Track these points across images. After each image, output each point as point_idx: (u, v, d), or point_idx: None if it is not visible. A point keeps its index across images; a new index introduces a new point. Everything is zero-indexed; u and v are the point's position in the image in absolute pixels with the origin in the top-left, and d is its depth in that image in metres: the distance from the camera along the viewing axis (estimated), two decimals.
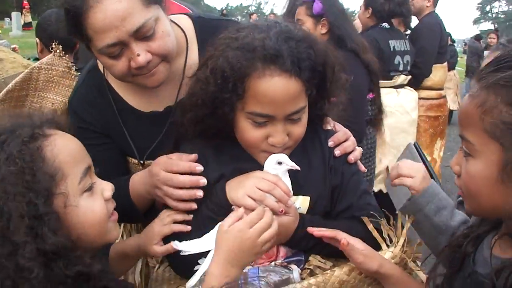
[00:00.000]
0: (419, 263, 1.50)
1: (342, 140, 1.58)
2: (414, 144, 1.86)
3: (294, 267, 1.44)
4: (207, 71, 1.39)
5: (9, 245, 1.03)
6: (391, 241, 1.51)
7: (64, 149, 1.16)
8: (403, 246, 1.48)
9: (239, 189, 1.38)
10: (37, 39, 3.28)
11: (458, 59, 14.54)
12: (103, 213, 1.20)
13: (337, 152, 1.55)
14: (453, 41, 14.30)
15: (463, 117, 1.09)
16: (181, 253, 1.40)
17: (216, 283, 1.24)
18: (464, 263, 1.19)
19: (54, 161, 1.12)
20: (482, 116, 1.03)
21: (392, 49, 4.31)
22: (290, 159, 1.40)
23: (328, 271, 1.40)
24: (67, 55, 3.02)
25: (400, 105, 4.25)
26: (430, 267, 1.35)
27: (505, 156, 1.01)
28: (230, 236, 1.28)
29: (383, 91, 3.73)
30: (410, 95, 4.50)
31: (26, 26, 26.81)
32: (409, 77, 4.52)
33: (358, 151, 1.60)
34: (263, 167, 1.43)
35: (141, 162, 1.77)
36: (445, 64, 5.42)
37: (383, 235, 1.50)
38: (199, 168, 1.46)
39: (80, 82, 1.87)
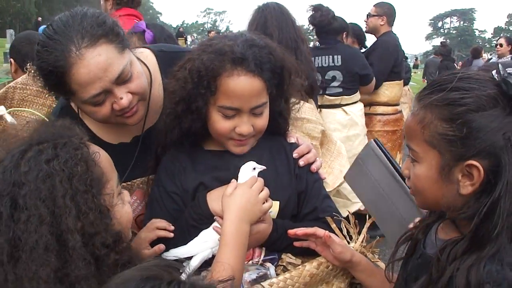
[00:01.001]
0: (376, 256, 1.73)
1: (305, 152, 1.80)
2: (376, 142, 1.92)
3: (269, 264, 1.64)
4: (185, 71, 1.62)
5: (86, 235, 1.16)
6: (351, 238, 1.74)
7: (104, 157, 1.35)
8: (362, 241, 1.72)
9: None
10: (11, 60, 3.36)
11: (412, 74, 15.12)
12: (131, 214, 1.41)
13: (301, 162, 1.77)
14: (406, 58, 14.80)
15: (408, 131, 1.32)
16: (167, 258, 1.58)
17: (232, 240, 1.45)
18: (416, 248, 1.42)
19: (101, 165, 1.29)
20: (422, 130, 1.26)
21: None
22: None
23: (300, 266, 1.61)
24: None
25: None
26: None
27: (442, 160, 1.24)
28: (236, 196, 1.53)
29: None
30: (331, 115, 4.73)
31: None
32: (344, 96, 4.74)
33: (319, 161, 1.83)
34: (237, 174, 1.61)
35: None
36: (401, 81, 5.66)
37: (343, 233, 1.73)
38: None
39: (52, 119, 1.93)
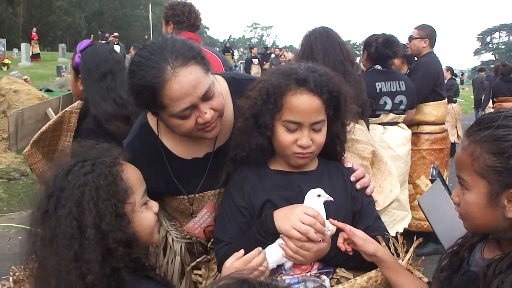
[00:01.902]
0: (421, 274, 1.87)
1: (361, 176, 2.00)
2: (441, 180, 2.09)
3: (324, 277, 1.82)
4: (256, 91, 1.88)
5: (100, 231, 1.51)
6: (398, 255, 1.89)
7: (132, 175, 1.69)
8: (409, 259, 1.88)
9: (286, 222, 1.76)
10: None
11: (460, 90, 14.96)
12: (154, 221, 1.74)
13: (358, 186, 1.97)
14: (455, 75, 14.58)
15: (459, 162, 1.51)
16: None
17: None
18: (461, 265, 1.59)
19: (128, 181, 1.64)
20: (472, 162, 1.45)
21: (378, 90, 4.68)
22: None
23: (352, 280, 1.79)
24: None
25: (382, 141, 4.62)
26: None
27: (491, 189, 1.42)
28: (229, 272, 1.67)
29: (370, 127, 4.04)
30: (398, 132, 4.87)
31: (34, 57, 27.13)
32: (403, 115, 4.89)
33: (372, 185, 2.02)
34: (301, 194, 1.83)
35: (189, 197, 2.15)
36: (445, 100, 5.78)
37: (391, 251, 1.88)
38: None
39: (132, 135, 2.19)
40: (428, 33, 5.59)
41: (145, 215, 1.70)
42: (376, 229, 1.94)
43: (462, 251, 1.62)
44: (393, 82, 4.83)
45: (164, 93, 1.77)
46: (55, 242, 1.50)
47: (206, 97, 1.83)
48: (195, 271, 2.26)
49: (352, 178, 1.98)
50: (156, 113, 1.93)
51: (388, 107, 4.79)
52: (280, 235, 1.80)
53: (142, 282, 1.61)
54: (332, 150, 2.01)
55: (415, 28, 5.68)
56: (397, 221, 4.11)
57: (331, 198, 1.81)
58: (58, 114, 3.47)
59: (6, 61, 21.41)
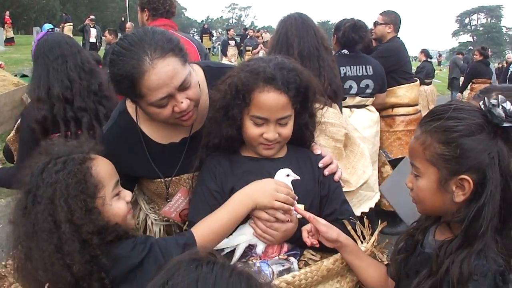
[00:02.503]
0: (385, 256, 1.98)
1: (329, 162, 2.09)
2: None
3: (293, 259, 1.91)
4: (226, 85, 1.94)
5: (73, 225, 1.59)
6: (364, 238, 2.00)
7: (103, 168, 1.75)
8: (373, 242, 1.98)
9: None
10: None
11: (436, 72, 15.15)
12: (125, 210, 1.80)
13: (326, 172, 2.06)
14: (430, 57, 14.76)
15: (412, 151, 1.61)
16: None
17: (232, 205, 1.85)
18: (416, 247, 1.70)
19: (98, 175, 1.71)
20: (423, 150, 1.55)
21: (342, 74, 4.71)
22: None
23: (319, 262, 1.87)
24: None
25: (348, 123, 4.58)
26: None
27: (440, 176, 1.53)
28: (259, 182, 1.88)
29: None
30: (365, 114, 4.96)
31: (8, 41, 26.52)
32: (371, 98, 4.98)
33: (340, 171, 2.12)
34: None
35: (166, 180, 2.24)
36: (418, 82, 5.93)
37: (357, 234, 1.99)
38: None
39: (112, 122, 2.27)
40: (392, 19, 5.69)
41: (117, 205, 1.76)
42: (343, 212, 2.03)
43: (417, 234, 1.73)
44: (360, 67, 4.89)
45: (142, 83, 1.84)
46: (36, 236, 1.59)
47: (183, 87, 1.91)
48: None
49: (320, 165, 2.07)
50: (135, 101, 2.00)
51: (354, 91, 4.85)
52: (251, 215, 1.89)
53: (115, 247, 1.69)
54: (301, 138, 2.10)
55: (380, 14, 5.77)
56: (363, 201, 4.19)
57: (298, 177, 1.92)
58: None
59: None
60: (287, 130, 1.95)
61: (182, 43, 1.97)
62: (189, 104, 1.94)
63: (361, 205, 4.04)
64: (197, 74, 2.15)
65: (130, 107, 2.20)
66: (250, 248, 1.92)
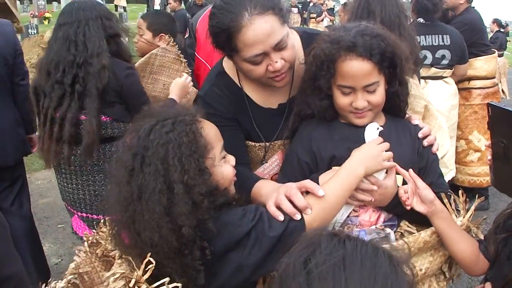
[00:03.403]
0: (480, 232, 1.94)
1: (428, 134, 2.06)
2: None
3: (389, 230, 1.92)
4: (310, 57, 1.95)
5: (186, 186, 1.57)
6: (459, 212, 1.97)
7: (211, 131, 1.76)
8: (470, 217, 1.95)
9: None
10: (146, 26, 3.92)
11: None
12: (232, 173, 1.81)
13: (425, 143, 2.03)
14: (503, 27, 14.06)
15: None
16: None
17: (345, 176, 1.79)
18: None
19: (207, 137, 1.70)
20: None
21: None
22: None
23: (416, 234, 1.88)
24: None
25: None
26: None
27: None
28: (361, 148, 1.85)
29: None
30: (440, 86, 4.84)
31: None
32: (448, 70, 4.82)
33: (438, 144, 2.07)
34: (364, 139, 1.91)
35: (266, 144, 2.25)
36: (496, 54, 5.70)
37: (452, 207, 1.96)
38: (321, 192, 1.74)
39: (211, 82, 2.25)
40: None
41: (224, 168, 1.77)
42: (439, 186, 2.00)
43: None
44: (435, 36, 4.76)
45: (239, 37, 1.87)
46: (144, 198, 1.56)
47: (279, 47, 1.91)
48: None
49: (420, 135, 2.04)
50: (230, 55, 2.02)
51: (428, 61, 4.75)
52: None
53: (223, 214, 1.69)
54: (396, 107, 2.07)
55: None
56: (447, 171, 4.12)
57: (382, 128, 1.93)
58: (146, 56, 3.70)
59: (47, 15, 21.31)
60: (377, 97, 1.92)
61: (282, 3, 1.98)
62: (283, 64, 1.95)
63: None
64: (295, 39, 2.15)
65: (228, 68, 2.22)
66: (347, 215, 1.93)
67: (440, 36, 4.78)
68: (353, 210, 1.94)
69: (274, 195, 1.75)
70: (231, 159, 1.85)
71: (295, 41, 2.14)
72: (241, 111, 2.21)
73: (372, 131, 1.91)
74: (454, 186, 4.87)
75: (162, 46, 3.72)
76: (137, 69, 3.44)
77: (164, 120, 1.67)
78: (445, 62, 4.82)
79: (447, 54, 4.81)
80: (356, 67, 1.84)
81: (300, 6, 23.09)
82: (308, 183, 1.76)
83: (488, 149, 1.83)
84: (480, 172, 5.49)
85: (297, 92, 2.12)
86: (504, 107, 1.64)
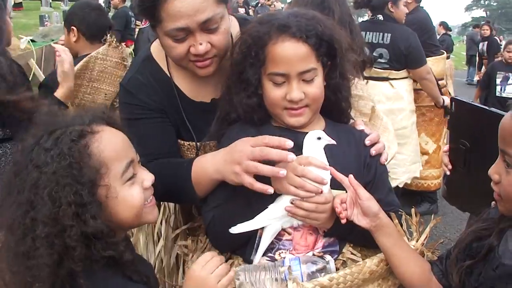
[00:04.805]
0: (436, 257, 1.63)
1: (376, 141, 1.73)
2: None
3: (329, 257, 1.58)
4: (237, 46, 1.69)
5: (59, 226, 1.19)
6: (411, 234, 1.66)
7: (109, 145, 1.30)
8: (424, 240, 1.64)
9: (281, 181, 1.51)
10: (73, 27, 3.26)
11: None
12: (140, 201, 1.35)
13: (373, 151, 1.70)
14: (449, 30, 14.45)
15: (507, 134, 1.23)
16: (234, 232, 1.56)
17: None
18: (489, 255, 1.33)
19: (100, 156, 1.27)
20: None
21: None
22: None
23: (361, 263, 1.55)
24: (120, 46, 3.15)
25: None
26: None
27: None
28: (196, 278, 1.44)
29: None
30: (378, 88, 4.60)
31: (16, 6, 26.21)
32: (394, 71, 4.64)
33: (387, 153, 1.75)
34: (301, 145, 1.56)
35: (197, 144, 1.93)
36: (445, 55, 5.61)
37: (403, 228, 1.65)
38: (289, 143, 1.50)
39: (134, 69, 1.98)
40: None
41: (129, 192, 1.34)
42: (389, 203, 1.68)
43: (492, 237, 1.35)
44: (376, 34, 4.58)
45: (164, 5, 1.65)
46: (11, 231, 1.22)
47: (206, 26, 1.69)
48: (180, 243, 2.03)
49: (367, 142, 1.71)
50: (154, 26, 1.77)
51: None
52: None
53: (113, 282, 1.32)
54: (337, 108, 1.77)
55: None
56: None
57: (333, 142, 1.57)
58: (84, 60, 3.14)
59: None
60: (314, 89, 1.61)
61: None
62: (208, 49, 1.71)
63: None
64: (234, 28, 1.91)
65: (157, 53, 1.95)
66: (279, 238, 1.61)
67: (380, 34, 4.58)
68: (285, 232, 1.61)
69: (234, 166, 1.54)
70: (146, 179, 1.40)
71: (233, 29, 1.88)
72: (169, 103, 1.91)
73: (312, 142, 1.56)
74: (403, 190, 4.71)
75: (103, 47, 3.17)
76: (75, 76, 2.92)
77: (51, 133, 1.28)
78: (382, 61, 4.60)
79: (385, 53, 4.60)
80: (290, 50, 1.58)
81: (247, 7, 22.82)
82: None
83: (445, 155, 1.63)
84: (427, 175, 5.36)
85: (220, 92, 1.81)
86: (472, 102, 1.46)
